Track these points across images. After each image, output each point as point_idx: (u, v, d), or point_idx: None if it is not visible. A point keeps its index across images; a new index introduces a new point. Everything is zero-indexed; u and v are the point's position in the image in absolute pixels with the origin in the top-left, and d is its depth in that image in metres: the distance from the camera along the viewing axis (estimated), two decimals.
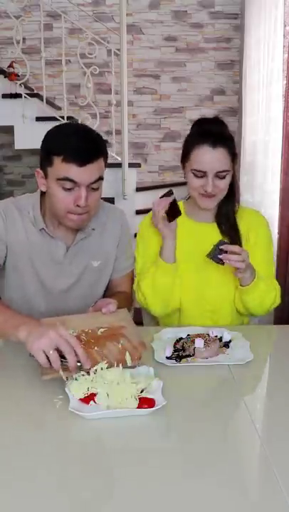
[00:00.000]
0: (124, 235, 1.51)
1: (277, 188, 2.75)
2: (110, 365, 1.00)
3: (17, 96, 3.25)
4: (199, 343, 1.17)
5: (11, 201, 1.41)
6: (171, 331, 1.35)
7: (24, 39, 3.39)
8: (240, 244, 1.42)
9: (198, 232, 1.49)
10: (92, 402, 0.92)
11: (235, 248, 1.31)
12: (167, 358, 1.17)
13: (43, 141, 1.27)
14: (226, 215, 1.48)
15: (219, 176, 1.37)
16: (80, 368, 0.99)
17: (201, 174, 1.37)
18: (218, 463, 0.79)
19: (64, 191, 1.23)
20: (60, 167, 1.20)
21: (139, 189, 3.52)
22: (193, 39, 4.17)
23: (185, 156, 1.41)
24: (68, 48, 3.62)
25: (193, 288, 1.46)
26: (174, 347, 1.23)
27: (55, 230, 1.38)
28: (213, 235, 1.45)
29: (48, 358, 0.96)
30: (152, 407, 0.91)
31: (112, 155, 3.44)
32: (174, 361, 1.16)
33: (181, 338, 1.26)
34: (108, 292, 1.52)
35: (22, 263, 1.38)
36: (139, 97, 4.24)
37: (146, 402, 0.92)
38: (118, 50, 3.22)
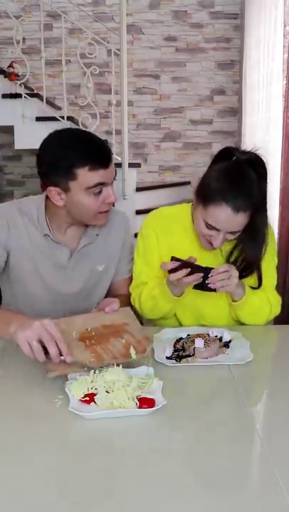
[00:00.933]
0: (128, 239, 1.52)
1: (277, 188, 2.75)
2: (115, 359, 1.03)
3: (17, 96, 3.25)
4: (199, 343, 1.17)
5: (14, 204, 1.40)
6: (171, 331, 1.35)
7: (24, 39, 3.39)
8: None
9: (198, 251, 1.37)
10: (92, 402, 0.92)
11: (221, 269, 1.24)
12: (167, 358, 1.17)
13: (51, 161, 1.24)
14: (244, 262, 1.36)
15: (232, 233, 1.27)
16: (87, 367, 1.00)
17: (213, 228, 1.26)
18: (218, 463, 0.79)
19: (94, 196, 1.25)
20: (88, 176, 1.22)
21: (139, 189, 3.51)
22: (193, 39, 4.17)
23: (201, 199, 1.26)
24: (68, 48, 3.61)
25: (189, 307, 1.42)
26: (174, 347, 1.23)
27: (60, 236, 1.37)
28: (215, 260, 1.37)
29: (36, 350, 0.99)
30: (152, 407, 0.91)
31: (112, 155, 3.44)
32: (174, 361, 1.16)
33: (181, 338, 1.26)
34: (109, 295, 1.52)
35: (26, 268, 1.37)
36: (139, 97, 4.24)
37: (145, 402, 0.92)
38: (118, 50, 3.22)
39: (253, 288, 1.37)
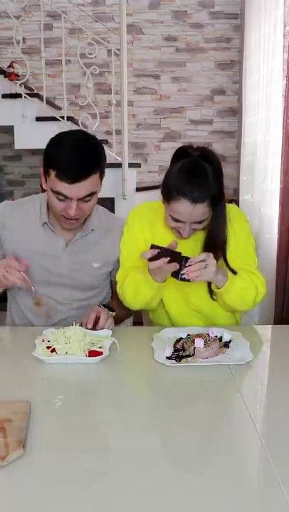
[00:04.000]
0: None
1: (278, 187, 2.75)
2: None
3: (17, 96, 3.25)
4: (199, 343, 1.17)
5: (20, 202, 1.55)
6: (171, 330, 1.35)
7: (24, 39, 3.39)
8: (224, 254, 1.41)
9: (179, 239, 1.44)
10: (54, 352, 1.17)
11: (197, 258, 1.27)
12: (167, 358, 1.17)
13: (45, 148, 1.34)
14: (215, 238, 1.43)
15: (197, 223, 1.36)
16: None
17: (179, 220, 1.35)
18: (218, 463, 0.79)
19: (58, 200, 1.34)
20: (54, 181, 1.30)
21: (139, 189, 3.51)
22: (193, 39, 4.17)
23: (164, 197, 1.36)
24: (68, 47, 3.61)
25: (174, 287, 1.45)
26: (174, 347, 1.23)
27: (57, 226, 1.47)
28: (195, 246, 1.44)
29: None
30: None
31: (112, 155, 3.44)
32: (174, 361, 1.16)
33: (181, 338, 1.27)
34: (113, 294, 1.59)
35: (23, 256, 1.42)
36: (139, 97, 4.24)
37: (94, 354, 1.17)
38: (118, 50, 3.22)
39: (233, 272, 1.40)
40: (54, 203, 1.35)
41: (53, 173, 1.29)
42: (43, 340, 1.22)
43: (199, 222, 1.35)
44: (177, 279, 1.28)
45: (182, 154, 1.36)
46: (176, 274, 1.28)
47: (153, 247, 1.29)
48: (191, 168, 1.31)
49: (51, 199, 1.35)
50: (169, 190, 1.32)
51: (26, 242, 1.46)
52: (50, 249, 1.47)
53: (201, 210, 1.32)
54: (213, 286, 1.40)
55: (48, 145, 1.34)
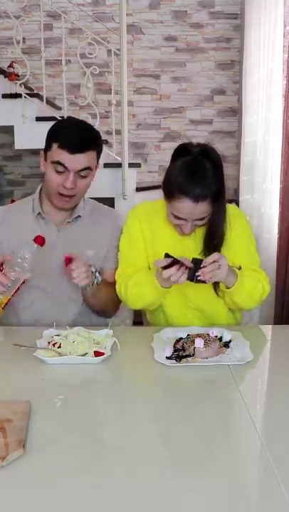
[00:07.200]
0: (119, 234, 1.58)
1: (278, 187, 2.75)
2: None
3: (17, 96, 3.25)
4: (199, 343, 1.17)
5: (3, 208, 1.66)
6: (171, 331, 1.35)
7: (24, 39, 3.38)
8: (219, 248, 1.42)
9: (179, 237, 1.47)
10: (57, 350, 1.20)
11: (210, 259, 1.28)
12: (167, 358, 1.17)
13: (49, 130, 1.46)
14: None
15: (199, 220, 1.38)
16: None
17: (180, 218, 1.37)
18: (218, 463, 0.79)
19: (56, 173, 1.43)
20: (55, 152, 1.41)
21: (139, 189, 3.51)
22: (193, 39, 4.16)
23: (166, 195, 1.37)
24: (68, 47, 3.61)
25: (173, 289, 1.44)
26: (174, 347, 1.23)
27: (49, 211, 1.55)
28: (195, 244, 1.46)
29: None
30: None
31: (112, 155, 3.44)
32: (174, 361, 1.16)
33: (181, 338, 1.27)
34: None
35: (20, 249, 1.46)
36: (139, 97, 4.24)
37: (97, 354, 1.17)
38: (118, 50, 3.21)
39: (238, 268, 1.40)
40: (52, 177, 1.44)
41: (55, 145, 1.40)
42: (49, 343, 1.23)
43: (201, 219, 1.37)
44: (192, 281, 1.28)
45: (182, 151, 1.36)
46: (191, 277, 1.28)
47: (167, 256, 1.29)
48: (192, 166, 1.32)
49: (49, 174, 1.44)
50: (171, 189, 1.33)
51: (21, 236, 1.47)
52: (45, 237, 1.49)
53: (202, 208, 1.33)
54: (222, 286, 1.40)
55: (52, 126, 1.47)
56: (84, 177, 1.45)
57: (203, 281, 1.28)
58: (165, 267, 1.28)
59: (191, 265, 1.27)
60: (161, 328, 1.37)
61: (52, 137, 1.43)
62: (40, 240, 1.33)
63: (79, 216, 1.57)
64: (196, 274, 1.27)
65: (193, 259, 1.28)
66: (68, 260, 1.41)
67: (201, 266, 1.26)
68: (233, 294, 1.38)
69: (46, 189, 1.52)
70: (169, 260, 1.28)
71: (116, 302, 1.57)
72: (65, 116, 3.26)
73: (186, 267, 1.27)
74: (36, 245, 1.32)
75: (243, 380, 1.09)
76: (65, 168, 1.41)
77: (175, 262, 1.27)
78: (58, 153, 1.40)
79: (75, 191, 1.46)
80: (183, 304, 1.49)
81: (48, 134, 1.46)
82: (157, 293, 1.40)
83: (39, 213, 1.55)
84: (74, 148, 1.39)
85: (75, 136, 1.42)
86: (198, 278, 1.27)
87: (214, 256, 1.28)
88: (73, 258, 1.41)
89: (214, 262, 1.27)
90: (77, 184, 1.44)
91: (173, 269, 1.27)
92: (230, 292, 1.38)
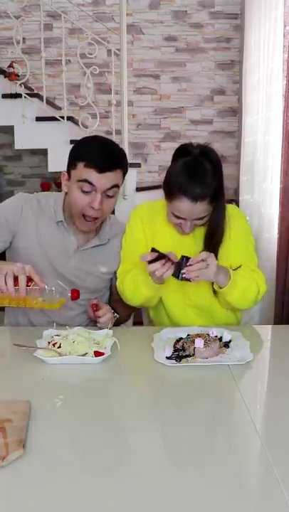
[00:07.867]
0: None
1: (278, 187, 2.75)
2: None
3: (17, 96, 3.25)
4: (199, 343, 1.17)
5: (35, 196, 1.55)
6: (171, 331, 1.35)
7: (24, 39, 3.38)
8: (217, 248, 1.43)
9: (179, 236, 1.48)
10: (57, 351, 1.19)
11: (198, 258, 1.28)
12: (167, 358, 1.17)
13: (72, 149, 1.42)
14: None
15: (198, 219, 1.39)
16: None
17: (180, 217, 1.39)
18: (218, 463, 0.79)
19: (82, 193, 1.37)
20: (82, 171, 1.35)
21: (139, 189, 3.51)
22: (193, 39, 4.17)
23: (166, 195, 1.39)
24: (68, 47, 3.61)
25: (175, 287, 1.46)
26: (174, 347, 1.23)
27: (71, 226, 1.49)
28: (195, 243, 1.47)
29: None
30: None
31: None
32: (174, 361, 1.16)
33: (181, 338, 1.27)
34: (111, 298, 1.61)
35: (34, 252, 1.47)
36: (139, 97, 4.24)
37: (97, 354, 1.17)
38: (118, 50, 3.22)
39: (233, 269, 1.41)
40: (77, 197, 1.37)
41: (81, 165, 1.35)
42: (49, 343, 1.23)
43: (200, 219, 1.39)
44: (177, 278, 1.28)
45: (183, 152, 1.38)
46: (176, 273, 1.28)
47: (153, 250, 1.30)
48: (192, 167, 1.34)
49: (74, 194, 1.38)
50: (171, 189, 1.35)
51: (38, 235, 1.47)
52: (62, 248, 1.48)
53: (202, 208, 1.35)
54: (215, 286, 1.40)
55: (75, 145, 1.42)
56: (110, 197, 1.39)
57: (188, 279, 1.28)
58: (151, 262, 1.29)
59: (176, 260, 1.28)
60: (161, 328, 1.37)
61: (76, 156, 1.37)
62: (75, 296, 1.33)
63: (108, 239, 1.53)
64: (182, 271, 1.27)
65: (181, 256, 1.29)
66: (95, 307, 1.40)
67: (188, 264, 1.27)
68: (226, 294, 1.38)
69: (69, 210, 1.46)
70: (154, 255, 1.29)
71: (128, 315, 1.61)
72: (65, 117, 3.27)
73: (173, 263, 1.28)
74: (68, 296, 1.32)
75: (243, 380, 1.09)
76: (93, 186, 1.35)
77: (160, 257, 1.28)
78: (86, 172, 1.34)
79: (100, 213, 1.40)
80: (183, 302, 1.50)
81: (70, 153, 1.40)
82: (151, 289, 1.40)
83: (60, 221, 1.48)
84: (103, 167, 1.34)
85: (104, 154, 1.36)
86: (183, 276, 1.27)
87: (202, 255, 1.28)
88: (100, 306, 1.40)
89: (202, 261, 1.27)
90: (103, 204, 1.38)
91: (158, 264, 1.28)
92: (222, 292, 1.38)
